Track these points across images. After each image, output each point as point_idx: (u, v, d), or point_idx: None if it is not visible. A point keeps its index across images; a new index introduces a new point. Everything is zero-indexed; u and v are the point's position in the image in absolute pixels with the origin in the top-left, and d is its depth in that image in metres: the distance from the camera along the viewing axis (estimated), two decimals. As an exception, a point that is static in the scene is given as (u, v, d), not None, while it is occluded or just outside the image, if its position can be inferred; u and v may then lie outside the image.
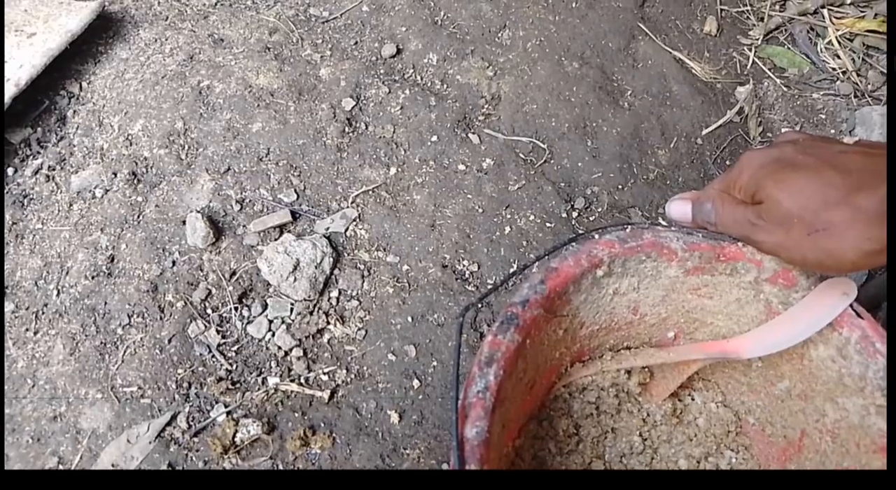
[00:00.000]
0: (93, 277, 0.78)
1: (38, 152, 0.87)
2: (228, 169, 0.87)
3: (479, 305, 0.79)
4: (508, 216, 0.87)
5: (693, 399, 0.65)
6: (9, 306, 0.75)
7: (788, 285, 0.53)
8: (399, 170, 0.90)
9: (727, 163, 0.99)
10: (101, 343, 0.74)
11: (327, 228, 0.83)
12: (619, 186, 0.93)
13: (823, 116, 1.08)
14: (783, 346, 0.52)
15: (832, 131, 1.07)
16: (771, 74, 1.12)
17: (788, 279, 0.53)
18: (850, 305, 0.51)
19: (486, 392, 0.44)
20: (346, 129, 0.92)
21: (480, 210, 0.87)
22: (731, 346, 0.56)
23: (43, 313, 0.75)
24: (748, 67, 1.13)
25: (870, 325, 0.51)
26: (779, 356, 0.56)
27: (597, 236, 0.53)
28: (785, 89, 1.11)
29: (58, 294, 0.77)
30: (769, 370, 0.59)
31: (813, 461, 0.57)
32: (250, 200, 0.85)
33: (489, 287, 0.80)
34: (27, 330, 0.74)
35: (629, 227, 0.53)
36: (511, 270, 0.82)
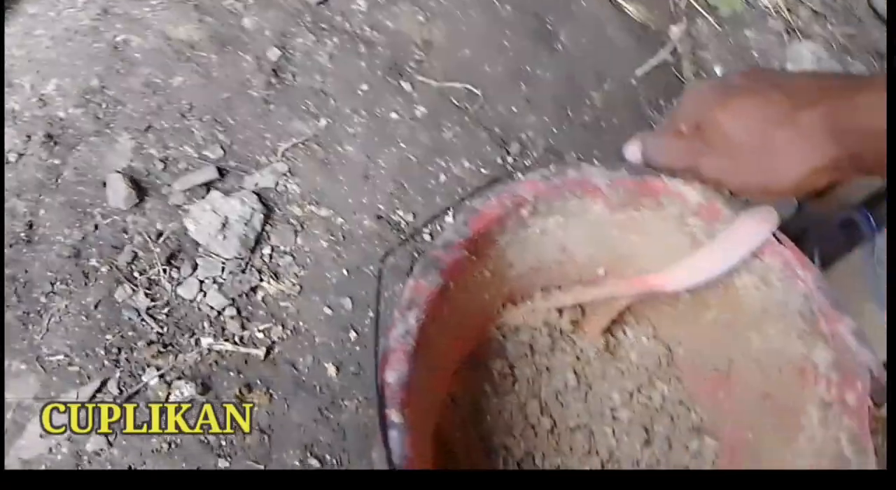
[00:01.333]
0: (11, 245, 0.74)
1: (-57, 116, 0.82)
2: (149, 126, 0.83)
3: (414, 253, 0.78)
4: (443, 164, 0.86)
5: (625, 334, 0.65)
6: (-80, 279, 0.72)
7: (713, 218, 0.53)
8: (329, 121, 0.87)
9: (661, 103, 0.99)
10: (24, 313, 0.71)
11: (256, 184, 0.81)
12: (554, 130, 0.92)
13: (756, 54, 1.09)
14: (706, 277, 0.53)
15: (765, 69, 1.07)
16: (704, 13, 1.12)
17: (713, 212, 0.53)
18: (773, 234, 0.51)
19: (408, 336, 0.43)
20: (273, 80, 0.89)
21: (415, 159, 0.85)
22: (657, 280, 0.56)
23: (-42, 285, 0.72)
24: (682, 7, 1.12)
25: (792, 252, 0.51)
26: (705, 287, 0.56)
27: (521, 177, 0.52)
28: (718, 28, 1.11)
29: (-27, 264, 0.73)
30: (697, 302, 0.59)
31: (742, 388, 0.58)
32: (174, 158, 0.82)
33: (424, 236, 0.79)
34: (-58, 303, 0.71)
35: (553, 166, 0.53)
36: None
